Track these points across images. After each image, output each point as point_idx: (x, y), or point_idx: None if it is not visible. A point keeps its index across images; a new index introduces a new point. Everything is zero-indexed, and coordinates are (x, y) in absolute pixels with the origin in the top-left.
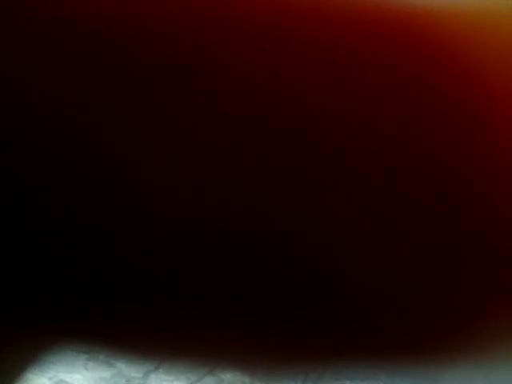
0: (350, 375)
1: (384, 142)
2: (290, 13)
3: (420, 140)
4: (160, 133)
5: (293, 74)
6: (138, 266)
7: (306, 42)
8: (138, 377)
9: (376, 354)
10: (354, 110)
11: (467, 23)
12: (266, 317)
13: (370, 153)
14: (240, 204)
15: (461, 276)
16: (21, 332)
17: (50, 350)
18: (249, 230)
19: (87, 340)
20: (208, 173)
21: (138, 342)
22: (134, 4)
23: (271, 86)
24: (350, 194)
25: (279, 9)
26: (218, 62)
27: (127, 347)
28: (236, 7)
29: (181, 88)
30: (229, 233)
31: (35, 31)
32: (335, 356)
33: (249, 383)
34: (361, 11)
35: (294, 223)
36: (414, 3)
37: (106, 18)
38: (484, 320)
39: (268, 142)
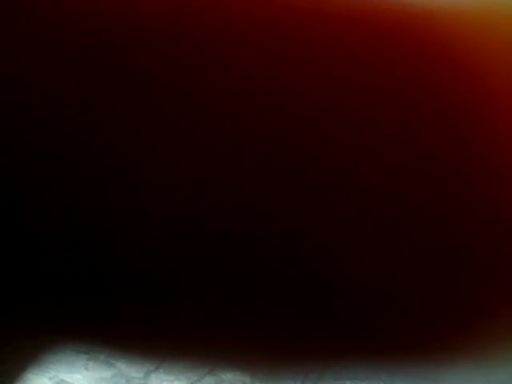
0: (350, 375)
1: (384, 141)
2: (289, 13)
3: (420, 140)
4: (160, 133)
5: (293, 73)
6: (138, 265)
7: (306, 41)
8: (138, 377)
9: (376, 354)
10: (353, 109)
11: (467, 23)
12: (266, 317)
13: (370, 153)
14: (240, 204)
15: (461, 276)
16: (21, 332)
17: (50, 350)
18: (249, 229)
19: (87, 340)
20: (208, 173)
21: (138, 342)
22: (133, 4)
23: (271, 85)
24: (350, 193)
25: (279, 9)
26: (218, 61)
27: (127, 347)
28: (236, 7)
29: (181, 88)
30: (229, 233)
31: (35, 31)
32: (335, 356)
33: (249, 383)
34: (361, 11)
35: (294, 223)
36: (414, 3)
37: (106, 18)
38: (484, 320)
39: (268, 141)
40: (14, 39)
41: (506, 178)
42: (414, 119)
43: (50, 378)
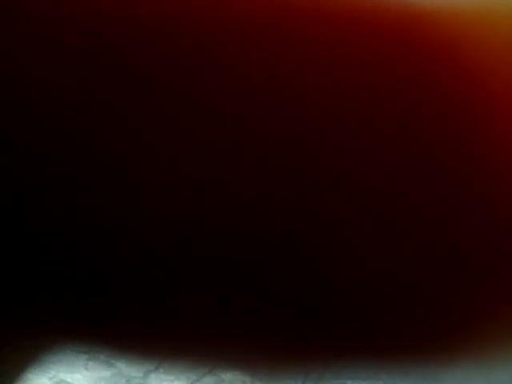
0: (351, 375)
1: (384, 141)
2: (289, 13)
3: (420, 140)
4: (160, 133)
5: (293, 73)
6: (138, 265)
7: (306, 41)
8: (138, 376)
9: (376, 353)
10: (353, 110)
11: (467, 23)
12: (266, 317)
13: (370, 153)
14: (240, 204)
15: (461, 276)
16: (21, 332)
17: (50, 350)
18: (249, 229)
19: (87, 340)
20: (208, 173)
21: (137, 342)
22: (133, 4)
23: (271, 85)
24: (350, 193)
25: (279, 9)
26: (218, 61)
27: (127, 347)
28: (236, 7)
29: (181, 88)
30: (229, 233)
31: (35, 31)
32: (335, 356)
33: (249, 383)
34: (361, 11)
35: (294, 223)
36: (414, 3)
37: (106, 18)
38: (484, 320)
39: (268, 141)
40: (14, 39)
41: (506, 178)
42: (414, 119)
43: (50, 378)
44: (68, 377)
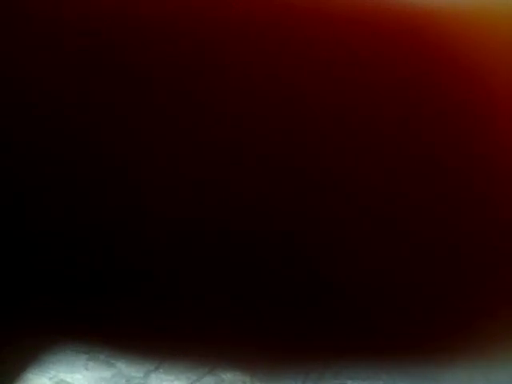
0: (351, 375)
1: (384, 141)
2: (289, 13)
3: (420, 140)
4: (160, 133)
5: (293, 73)
6: (138, 265)
7: (306, 41)
8: (138, 377)
9: (376, 353)
10: (353, 109)
11: (467, 23)
12: (266, 317)
13: (370, 153)
14: (240, 204)
15: (461, 276)
16: (21, 332)
17: (50, 350)
18: (249, 229)
19: (87, 340)
20: (208, 173)
21: (138, 342)
22: (133, 4)
23: (271, 85)
24: (350, 193)
25: (279, 9)
26: (218, 61)
27: (127, 347)
28: (236, 7)
29: (181, 88)
30: (229, 233)
31: (35, 31)
32: (335, 356)
33: (249, 383)
34: (361, 11)
35: (294, 223)
36: (414, 3)
37: (106, 18)
38: (484, 320)
39: (268, 141)
40: (14, 39)
41: (506, 177)
42: (414, 119)
43: (50, 378)
44: (68, 377)
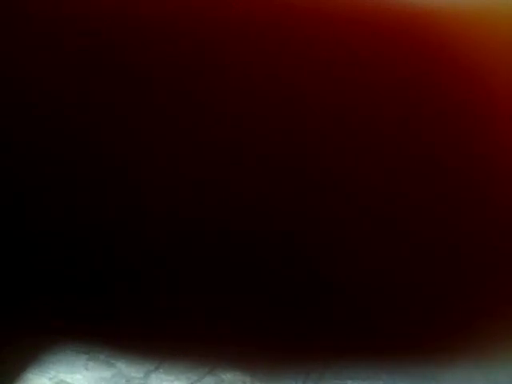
0: (351, 375)
1: (384, 141)
2: (290, 13)
3: (420, 140)
4: (160, 133)
5: (293, 73)
6: (138, 265)
7: (306, 42)
8: (138, 377)
9: (376, 353)
10: (353, 110)
11: (467, 23)
12: (266, 317)
13: (370, 153)
14: (240, 204)
15: (461, 276)
16: (21, 332)
17: (50, 350)
18: (249, 229)
19: (87, 340)
20: (208, 173)
21: (138, 342)
22: (133, 4)
23: (271, 85)
24: (350, 193)
25: (279, 9)
26: (218, 61)
27: (127, 347)
28: (236, 7)
29: (181, 88)
30: (229, 233)
31: (35, 31)
32: (336, 356)
33: (249, 383)
34: (361, 11)
35: (294, 223)
36: (414, 3)
37: (106, 18)
38: (484, 320)
39: (268, 141)
40: (14, 39)
41: (506, 178)
42: (414, 119)
43: (50, 379)
44: (68, 377)
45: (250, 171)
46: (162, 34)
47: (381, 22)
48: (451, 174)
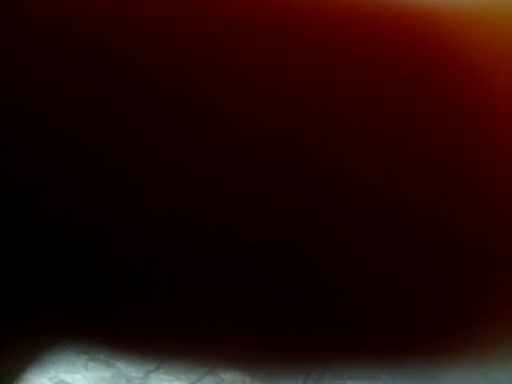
0: (351, 375)
1: (384, 141)
2: (290, 13)
3: (420, 140)
4: (160, 133)
5: (293, 73)
6: (138, 265)
7: (306, 42)
8: (138, 377)
9: (376, 353)
10: (353, 109)
11: (467, 23)
12: (266, 317)
13: (370, 153)
14: (240, 204)
15: (461, 276)
16: (21, 332)
17: (50, 350)
18: (249, 229)
19: (87, 340)
20: (208, 173)
21: (138, 342)
22: (133, 4)
23: (271, 85)
24: (350, 193)
25: (279, 9)
26: (218, 61)
27: (127, 347)
28: (236, 7)
29: (181, 88)
30: (229, 233)
31: (35, 31)
32: (336, 356)
33: (249, 383)
34: (361, 11)
35: (294, 223)
36: (414, 3)
37: (106, 18)
38: (484, 320)
39: (268, 141)
40: (14, 39)
41: (506, 178)
42: (414, 119)
43: (50, 379)
44: (68, 377)
45: (250, 171)
46: (162, 34)
47: (381, 21)
48: (451, 174)
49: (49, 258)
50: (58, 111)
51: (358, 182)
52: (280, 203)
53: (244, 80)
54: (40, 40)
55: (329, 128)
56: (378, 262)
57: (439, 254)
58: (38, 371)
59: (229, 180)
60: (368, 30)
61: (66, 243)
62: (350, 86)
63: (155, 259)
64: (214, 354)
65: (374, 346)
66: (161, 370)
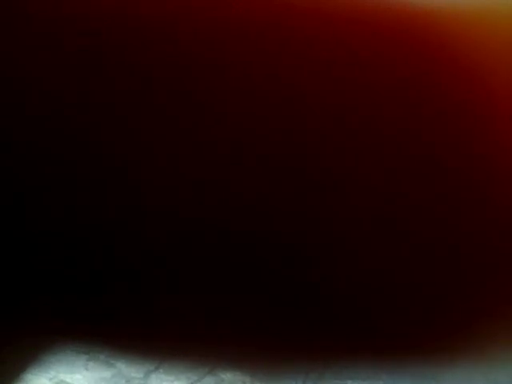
0: (351, 375)
1: (384, 141)
2: (289, 13)
3: (420, 140)
4: (160, 133)
5: (293, 73)
6: (138, 265)
7: (306, 42)
8: (138, 377)
9: (376, 353)
10: (353, 109)
11: (467, 23)
12: (266, 317)
13: (370, 153)
14: (240, 204)
15: (461, 276)
16: (21, 332)
17: (50, 350)
18: (249, 229)
19: (87, 340)
20: (208, 173)
21: (138, 342)
22: (133, 4)
23: (271, 85)
24: (350, 193)
25: (279, 9)
26: (218, 61)
27: (127, 347)
28: (236, 7)
29: (181, 88)
30: (229, 233)
31: (35, 31)
32: (335, 356)
33: (249, 383)
34: (361, 11)
35: (294, 223)
36: (414, 3)
37: (106, 18)
38: (484, 320)
39: (268, 141)
40: (14, 39)
41: (506, 178)
42: (414, 119)
43: (50, 379)
44: (68, 377)
45: (250, 171)
46: (162, 34)
47: (381, 21)
48: (451, 174)
49: (49, 258)
50: (57, 111)
51: (358, 181)
52: (280, 203)
53: (244, 80)
54: (40, 40)
55: (329, 128)
56: (378, 261)
57: (439, 254)
58: (38, 371)
59: (229, 180)
60: (368, 30)
61: (66, 243)
62: (350, 85)
63: (155, 259)
64: (214, 353)
65: (374, 345)
66: (161, 370)
